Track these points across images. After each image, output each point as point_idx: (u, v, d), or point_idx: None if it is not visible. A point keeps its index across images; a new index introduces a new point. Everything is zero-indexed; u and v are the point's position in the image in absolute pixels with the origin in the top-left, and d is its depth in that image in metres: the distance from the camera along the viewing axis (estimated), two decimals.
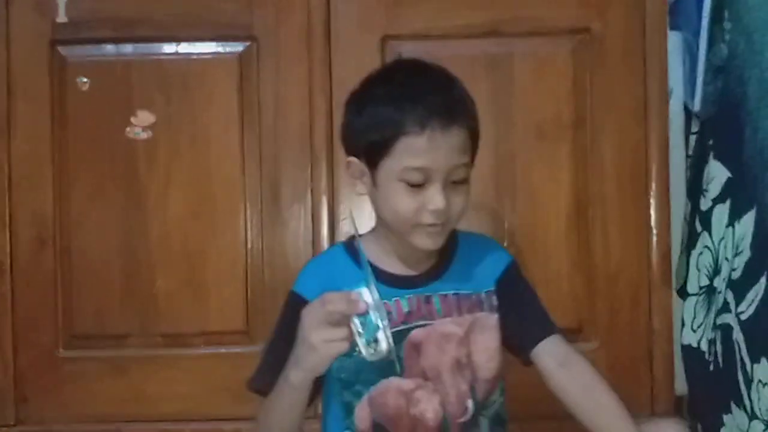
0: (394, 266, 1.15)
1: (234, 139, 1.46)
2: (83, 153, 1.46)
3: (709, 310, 1.41)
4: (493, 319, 1.16)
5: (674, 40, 1.49)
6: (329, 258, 1.20)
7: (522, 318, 1.17)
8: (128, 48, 1.47)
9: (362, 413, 1.14)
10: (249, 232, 1.45)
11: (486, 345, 1.15)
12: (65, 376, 1.46)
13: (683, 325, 1.48)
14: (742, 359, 1.26)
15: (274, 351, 1.15)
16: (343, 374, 1.13)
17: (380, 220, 1.16)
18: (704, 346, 1.42)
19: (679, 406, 1.48)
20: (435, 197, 1.06)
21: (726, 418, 1.32)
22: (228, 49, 1.47)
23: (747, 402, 1.24)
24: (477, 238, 1.22)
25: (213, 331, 1.46)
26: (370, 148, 1.09)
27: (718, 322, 1.35)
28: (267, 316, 1.45)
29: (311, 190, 1.45)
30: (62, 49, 1.46)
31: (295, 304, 1.11)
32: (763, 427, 1.21)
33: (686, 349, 1.48)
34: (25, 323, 1.46)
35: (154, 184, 1.45)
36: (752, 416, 1.24)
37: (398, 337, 1.11)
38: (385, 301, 1.11)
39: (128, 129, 1.46)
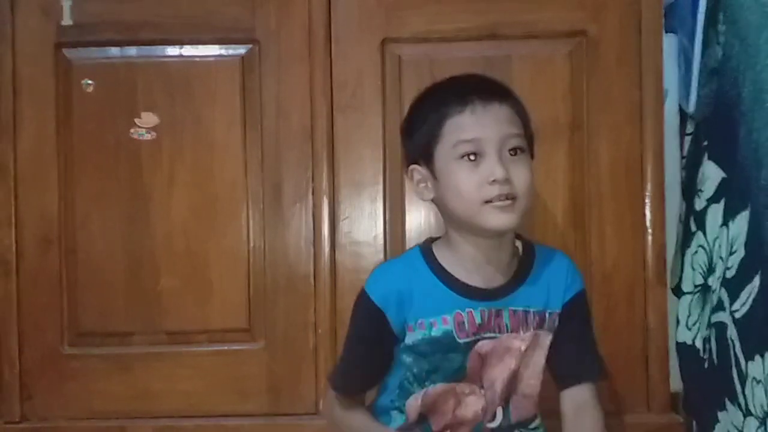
0: (469, 276, 1.16)
1: (236, 140, 1.47)
2: (88, 154, 1.47)
3: (703, 308, 1.42)
4: (548, 339, 1.18)
5: (669, 43, 1.50)
6: (406, 261, 1.20)
7: (569, 354, 1.19)
8: (132, 51, 1.48)
9: (415, 402, 1.18)
10: (251, 232, 1.46)
11: (535, 361, 1.18)
12: (70, 374, 1.47)
13: (678, 323, 1.49)
14: (736, 357, 1.27)
15: (354, 354, 1.21)
16: (415, 369, 1.17)
17: (451, 224, 1.17)
18: (699, 344, 1.43)
19: (674, 403, 1.49)
20: (493, 168, 1.08)
21: (721, 414, 1.32)
22: (230, 52, 1.48)
23: (741, 399, 1.25)
24: (556, 255, 1.22)
25: (216, 329, 1.47)
26: (422, 143, 1.13)
27: (713, 320, 1.36)
28: (268, 315, 1.47)
29: (312, 191, 1.46)
30: (67, 52, 1.47)
31: (370, 311, 1.16)
32: (757, 423, 1.21)
33: (681, 347, 1.48)
34: (31, 321, 1.47)
35: (157, 185, 1.47)
36: (747, 413, 1.24)
37: (468, 346, 1.15)
38: (458, 310, 1.15)
39: (132, 130, 1.47)
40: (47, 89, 1.47)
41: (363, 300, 1.18)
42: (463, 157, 1.10)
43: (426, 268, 1.17)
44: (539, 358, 1.18)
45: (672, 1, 1.53)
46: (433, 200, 1.17)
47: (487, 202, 1.09)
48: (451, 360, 1.15)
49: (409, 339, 1.16)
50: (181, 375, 1.46)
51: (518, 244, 1.20)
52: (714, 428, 1.35)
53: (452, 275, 1.16)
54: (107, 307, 1.47)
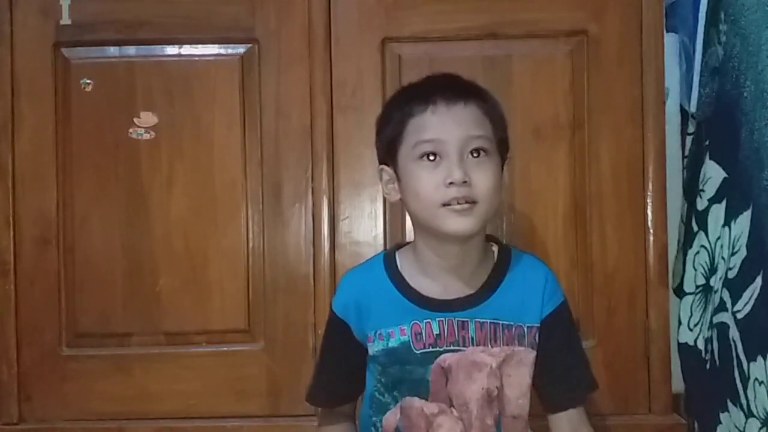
0: (431, 285, 1.13)
1: (236, 139, 1.47)
2: (87, 154, 1.47)
3: (705, 308, 1.42)
4: (531, 356, 1.14)
5: (671, 42, 1.51)
6: (367, 270, 1.19)
7: (556, 376, 1.15)
8: (131, 50, 1.47)
9: (392, 417, 1.15)
10: (250, 232, 1.46)
11: (519, 381, 1.14)
12: (68, 375, 1.46)
13: (680, 323, 1.49)
14: (738, 357, 1.27)
15: (324, 368, 1.21)
16: (383, 379, 1.15)
17: (416, 228, 1.14)
18: (701, 345, 1.43)
19: (676, 404, 1.49)
20: (451, 169, 1.05)
21: (723, 416, 1.32)
22: (230, 51, 1.48)
23: (743, 400, 1.25)
24: (533, 264, 1.18)
25: (215, 330, 1.47)
26: (387, 142, 1.12)
27: (715, 320, 1.36)
28: (268, 315, 1.47)
29: (312, 190, 1.46)
30: (66, 51, 1.47)
31: (333, 322, 1.17)
32: (759, 425, 1.21)
33: (683, 348, 1.48)
34: (29, 322, 1.46)
35: (156, 185, 1.46)
36: (749, 414, 1.24)
37: (427, 358, 1.12)
38: (416, 321, 1.12)
39: (131, 130, 1.47)
40: (46, 89, 1.47)
41: (330, 312, 1.18)
42: (422, 157, 1.07)
43: (385, 277, 1.15)
44: (524, 377, 1.14)
45: (673, 1, 1.53)
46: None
47: (445, 205, 1.06)
48: (411, 372, 1.12)
49: (371, 350, 1.14)
50: (180, 376, 1.46)
51: (494, 249, 1.17)
52: (716, 429, 1.35)
53: (410, 285, 1.14)
54: (106, 308, 1.47)
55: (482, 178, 1.07)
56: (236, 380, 1.46)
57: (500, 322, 1.13)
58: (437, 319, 1.12)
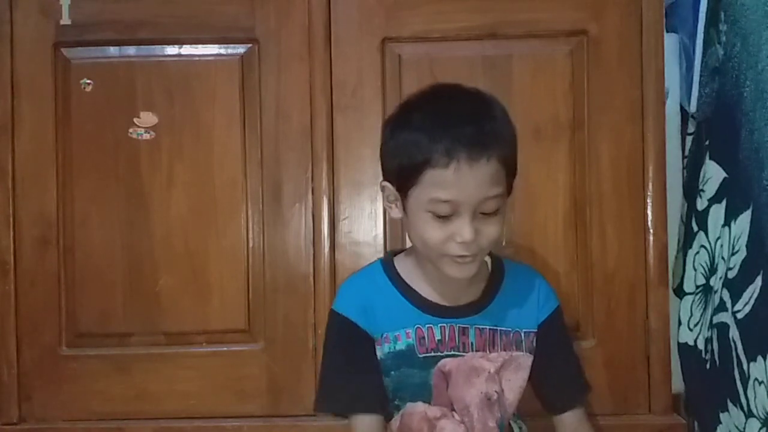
0: (431, 292, 1.16)
1: (236, 139, 1.47)
2: (86, 154, 1.47)
3: (705, 308, 1.42)
4: (529, 360, 1.17)
5: (671, 42, 1.50)
6: (367, 276, 1.20)
7: (557, 378, 1.19)
8: (131, 50, 1.48)
9: (394, 426, 1.16)
10: (250, 232, 1.46)
11: (519, 384, 1.17)
12: (68, 375, 1.46)
13: (680, 323, 1.49)
14: (738, 357, 1.27)
15: (337, 373, 1.17)
16: (385, 383, 1.16)
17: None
18: (701, 345, 1.43)
19: (676, 404, 1.49)
20: (463, 229, 1.06)
21: (723, 416, 1.32)
22: (230, 51, 1.48)
23: (743, 400, 1.25)
24: (526, 273, 1.22)
25: (215, 330, 1.47)
26: (399, 174, 1.10)
27: (715, 320, 1.36)
28: (268, 315, 1.46)
29: (312, 190, 1.46)
30: (66, 51, 1.47)
31: (343, 326, 1.15)
32: (759, 425, 1.21)
33: (683, 348, 1.48)
34: (29, 322, 1.46)
35: (156, 185, 1.46)
36: (749, 414, 1.24)
37: (428, 363, 1.14)
38: (419, 325, 1.14)
39: (131, 130, 1.47)
40: (46, 89, 1.47)
41: (335, 320, 1.16)
42: (434, 211, 1.07)
43: (387, 282, 1.17)
44: (522, 381, 1.17)
45: (673, 1, 1.53)
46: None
47: (448, 255, 1.08)
48: (412, 376, 1.14)
49: (378, 353, 1.15)
50: (180, 376, 1.46)
51: (487, 260, 1.19)
52: (716, 429, 1.35)
53: (413, 289, 1.16)
54: (106, 308, 1.47)
55: (489, 232, 1.08)
56: (236, 380, 1.46)
57: (498, 328, 1.16)
58: (439, 324, 1.14)
